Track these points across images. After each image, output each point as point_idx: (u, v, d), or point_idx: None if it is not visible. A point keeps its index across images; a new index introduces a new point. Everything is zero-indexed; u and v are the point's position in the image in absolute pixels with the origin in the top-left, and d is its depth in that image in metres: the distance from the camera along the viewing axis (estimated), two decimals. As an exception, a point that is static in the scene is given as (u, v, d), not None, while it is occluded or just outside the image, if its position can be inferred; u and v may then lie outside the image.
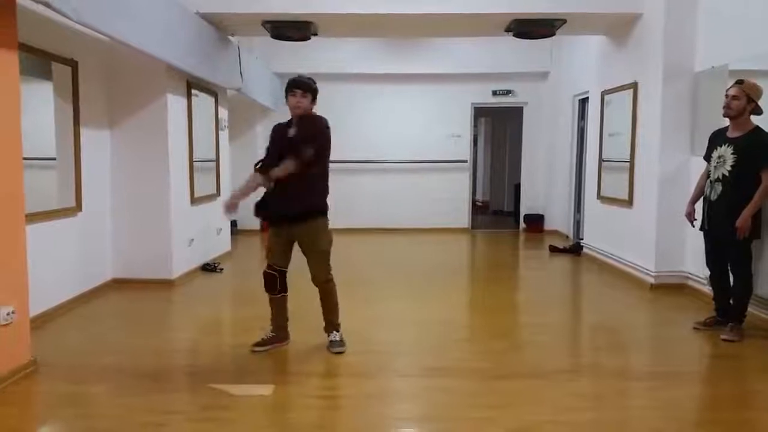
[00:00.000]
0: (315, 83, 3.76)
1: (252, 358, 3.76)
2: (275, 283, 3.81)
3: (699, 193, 4.43)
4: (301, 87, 3.68)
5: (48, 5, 3.36)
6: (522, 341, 4.34)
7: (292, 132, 3.73)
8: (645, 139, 5.92)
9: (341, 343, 3.86)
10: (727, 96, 4.11)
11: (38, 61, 4.38)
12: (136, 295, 5.39)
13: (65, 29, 4.63)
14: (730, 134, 4.14)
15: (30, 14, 4.01)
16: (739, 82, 4.07)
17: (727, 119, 4.19)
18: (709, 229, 4.28)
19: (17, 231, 3.42)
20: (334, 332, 3.90)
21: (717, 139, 4.26)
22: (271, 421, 2.95)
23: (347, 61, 9.38)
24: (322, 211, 3.80)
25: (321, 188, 3.79)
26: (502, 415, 2.94)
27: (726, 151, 4.10)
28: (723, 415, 3.06)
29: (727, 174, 4.07)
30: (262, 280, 3.84)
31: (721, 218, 4.10)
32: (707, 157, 4.33)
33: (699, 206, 4.42)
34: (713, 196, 4.18)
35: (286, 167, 3.58)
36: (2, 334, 3.28)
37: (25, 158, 3.47)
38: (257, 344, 3.88)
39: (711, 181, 4.22)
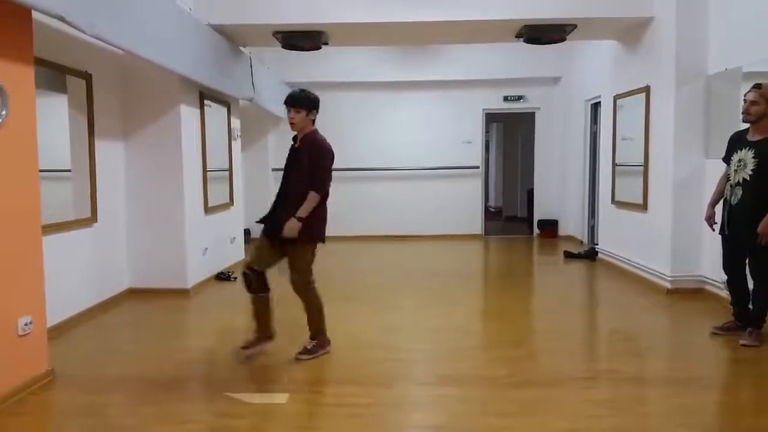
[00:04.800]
0: (308, 93, 3.78)
1: (268, 366, 3.77)
2: (249, 282, 3.81)
3: (719, 196, 4.37)
4: (292, 103, 3.75)
5: (62, 20, 3.40)
6: (538, 348, 4.31)
7: (296, 145, 3.86)
8: (658, 142, 5.88)
9: (308, 351, 3.86)
10: (745, 101, 4.05)
11: (53, 75, 4.44)
12: (152, 304, 5.43)
13: (79, 43, 4.69)
14: (751, 137, 4.08)
15: (45, 28, 4.08)
16: (757, 86, 4.00)
17: (743, 122, 4.14)
18: (728, 233, 4.21)
19: (34, 242, 3.46)
20: (310, 339, 3.92)
21: (737, 142, 4.19)
22: (287, 430, 2.94)
23: (358, 70, 9.42)
24: (312, 239, 3.77)
25: (318, 215, 3.77)
26: (519, 424, 2.92)
27: (747, 155, 4.04)
28: (743, 421, 3.02)
29: (747, 178, 4.01)
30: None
31: (742, 222, 4.03)
32: (727, 160, 4.26)
33: (718, 209, 4.36)
34: (734, 200, 4.12)
35: (308, 205, 3.66)
36: (20, 344, 3.31)
37: (41, 170, 3.51)
38: (244, 347, 3.89)
39: (731, 185, 4.15)
